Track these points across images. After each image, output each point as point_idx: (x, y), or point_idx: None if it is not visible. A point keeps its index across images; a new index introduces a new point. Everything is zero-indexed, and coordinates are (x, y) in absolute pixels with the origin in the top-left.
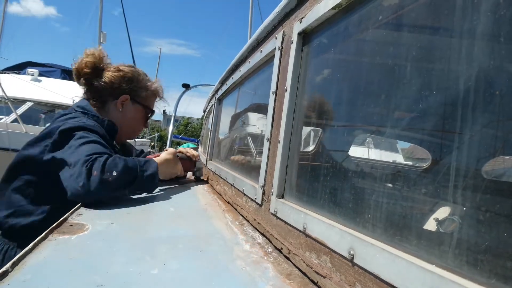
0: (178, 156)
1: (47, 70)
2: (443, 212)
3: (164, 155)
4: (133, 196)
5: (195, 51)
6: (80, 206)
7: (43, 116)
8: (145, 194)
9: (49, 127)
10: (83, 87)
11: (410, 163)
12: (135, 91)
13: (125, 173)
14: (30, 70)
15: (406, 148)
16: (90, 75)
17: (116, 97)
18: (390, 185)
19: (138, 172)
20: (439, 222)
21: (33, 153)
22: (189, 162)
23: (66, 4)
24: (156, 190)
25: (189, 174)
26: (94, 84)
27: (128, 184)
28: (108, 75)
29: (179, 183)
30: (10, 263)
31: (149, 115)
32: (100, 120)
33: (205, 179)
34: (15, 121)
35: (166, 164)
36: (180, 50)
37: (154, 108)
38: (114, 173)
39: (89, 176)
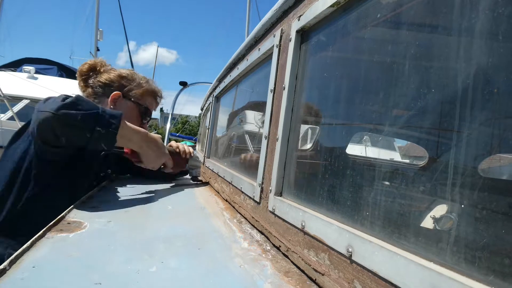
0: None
1: (43, 67)
2: (440, 209)
3: (153, 134)
4: (131, 194)
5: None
6: (77, 205)
7: None
8: (143, 191)
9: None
10: (82, 89)
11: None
12: (128, 89)
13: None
14: (26, 67)
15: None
16: (87, 75)
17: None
18: (387, 183)
19: (99, 109)
20: (436, 220)
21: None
22: (179, 158)
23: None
24: (154, 188)
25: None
26: (90, 83)
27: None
28: (105, 76)
29: (177, 183)
30: (8, 261)
31: (145, 114)
32: None
33: (202, 180)
34: (11, 118)
35: (153, 141)
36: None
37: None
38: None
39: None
